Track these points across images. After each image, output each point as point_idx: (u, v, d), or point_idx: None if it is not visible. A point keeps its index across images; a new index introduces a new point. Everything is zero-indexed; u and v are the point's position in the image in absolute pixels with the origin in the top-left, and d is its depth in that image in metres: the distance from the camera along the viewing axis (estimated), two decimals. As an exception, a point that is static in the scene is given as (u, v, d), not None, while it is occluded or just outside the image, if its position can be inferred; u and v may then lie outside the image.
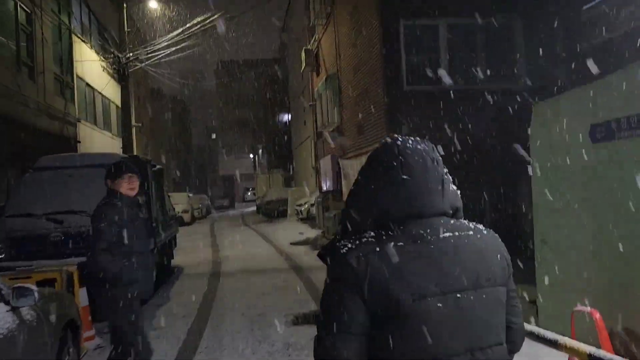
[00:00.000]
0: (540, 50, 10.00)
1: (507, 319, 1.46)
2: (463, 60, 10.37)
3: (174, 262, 13.20)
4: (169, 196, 13.58)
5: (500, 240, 1.50)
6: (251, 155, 57.97)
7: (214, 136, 73.69)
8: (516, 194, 10.33)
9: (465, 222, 1.47)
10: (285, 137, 41.81)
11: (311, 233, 18.81)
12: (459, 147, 10.07)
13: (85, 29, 19.56)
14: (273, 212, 30.79)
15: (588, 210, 4.77)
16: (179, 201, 31.36)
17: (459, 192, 1.51)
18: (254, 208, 40.79)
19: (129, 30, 16.54)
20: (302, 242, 16.98)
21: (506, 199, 10.42)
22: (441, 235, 1.38)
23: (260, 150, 55.86)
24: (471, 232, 1.43)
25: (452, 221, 1.44)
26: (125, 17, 16.22)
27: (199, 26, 14.48)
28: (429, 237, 1.37)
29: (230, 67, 56.90)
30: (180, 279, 11.37)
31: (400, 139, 1.48)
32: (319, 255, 1.51)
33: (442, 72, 10.33)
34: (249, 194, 56.34)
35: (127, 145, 16.42)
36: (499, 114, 9.88)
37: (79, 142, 17.16)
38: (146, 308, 8.50)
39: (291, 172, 38.02)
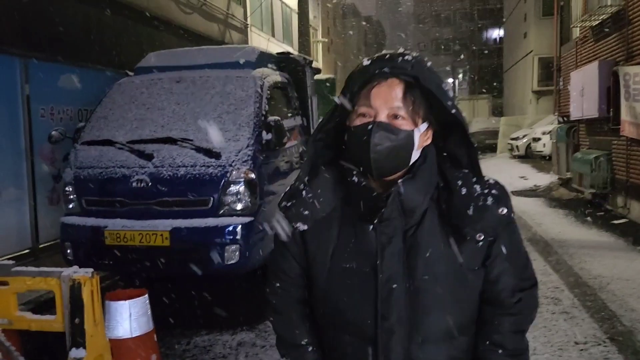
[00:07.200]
0: None
1: None
2: None
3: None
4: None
5: None
6: (450, 80, 51.88)
7: (409, 60, 68.55)
8: None
9: None
10: (495, 58, 35.27)
11: (539, 178, 13.75)
12: None
13: None
14: (477, 146, 25.89)
15: None
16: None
17: None
18: (454, 140, 35.89)
19: None
20: (530, 192, 12.14)
21: None
22: None
23: (461, 74, 49.44)
24: None
25: None
26: None
27: None
28: None
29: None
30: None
31: None
32: None
33: None
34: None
35: (303, 58, 13.08)
36: None
37: (249, 53, 14.31)
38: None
39: (502, 100, 31.89)
